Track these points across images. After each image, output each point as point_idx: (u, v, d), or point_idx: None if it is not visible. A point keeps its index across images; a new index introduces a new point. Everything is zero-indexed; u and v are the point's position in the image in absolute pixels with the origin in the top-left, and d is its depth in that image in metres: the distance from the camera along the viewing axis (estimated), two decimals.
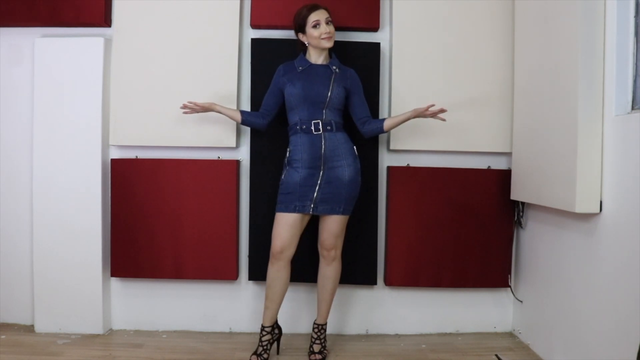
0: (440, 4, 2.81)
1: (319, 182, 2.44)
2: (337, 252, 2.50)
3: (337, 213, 2.45)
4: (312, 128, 2.46)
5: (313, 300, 2.87)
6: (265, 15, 2.78)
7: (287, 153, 2.52)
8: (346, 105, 2.57)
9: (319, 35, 2.45)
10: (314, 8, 2.47)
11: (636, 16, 2.03)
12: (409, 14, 2.81)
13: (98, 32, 2.84)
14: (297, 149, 2.47)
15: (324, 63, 2.53)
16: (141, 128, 2.81)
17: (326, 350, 2.56)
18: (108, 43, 2.81)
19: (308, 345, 2.67)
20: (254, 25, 2.83)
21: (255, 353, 2.49)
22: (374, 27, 2.84)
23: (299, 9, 2.50)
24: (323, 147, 2.45)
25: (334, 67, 2.52)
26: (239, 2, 2.80)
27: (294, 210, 2.44)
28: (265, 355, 2.49)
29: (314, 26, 2.45)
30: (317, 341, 2.54)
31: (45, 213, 2.78)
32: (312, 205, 2.43)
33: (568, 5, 2.18)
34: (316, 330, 2.55)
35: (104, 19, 2.80)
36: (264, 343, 2.51)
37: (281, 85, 2.53)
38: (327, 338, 2.68)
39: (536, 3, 2.47)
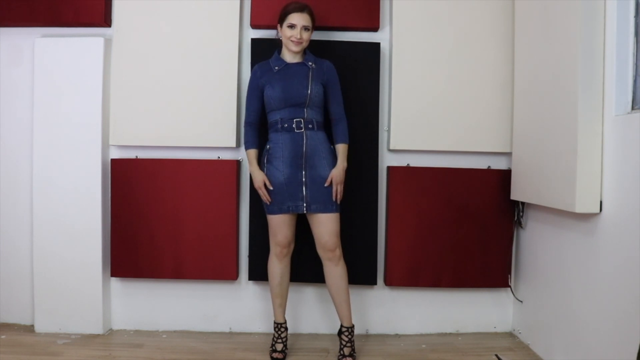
0: (440, 4, 2.80)
1: (304, 180, 2.44)
2: (339, 251, 2.48)
3: (331, 211, 2.45)
4: (294, 126, 2.45)
5: (315, 301, 2.88)
6: (265, 15, 2.78)
7: (267, 148, 2.50)
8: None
9: (290, 37, 2.44)
10: (298, 9, 2.45)
11: (636, 16, 2.03)
12: (409, 14, 2.80)
13: (98, 32, 2.84)
14: (278, 146, 2.46)
15: (300, 61, 2.51)
16: (141, 128, 2.81)
17: (355, 353, 2.54)
18: (108, 43, 2.81)
19: (309, 345, 2.69)
20: (254, 25, 2.83)
21: (276, 350, 2.55)
22: (374, 27, 2.84)
23: (289, 2, 2.49)
24: (305, 145, 2.44)
25: (310, 63, 2.50)
26: (239, 2, 2.81)
27: (287, 211, 2.45)
28: (286, 351, 2.57)
29: (289, 26, 2.44)
30: (348, 344, 2.52)
31: (45, 213, 2.78)
32: (304, 205, 2.43)
33: (568, 5, 2.18)
34: (346, 333, 2.52)
35: (104, 19, 2.80)
36: (284, 339, 2.58)
37: (261, 87, 2.51)
38: (326, 338, 2.68)
39: (536, 3, 2.47)
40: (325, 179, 2.45)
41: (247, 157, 2.56)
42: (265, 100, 2.51)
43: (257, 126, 2.56)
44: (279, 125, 2.46)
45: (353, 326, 2.53)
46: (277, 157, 2.45)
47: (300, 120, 2.45)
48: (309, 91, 2.45)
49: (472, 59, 2.81)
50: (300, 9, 2.45)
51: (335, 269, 2.48)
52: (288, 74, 2.47)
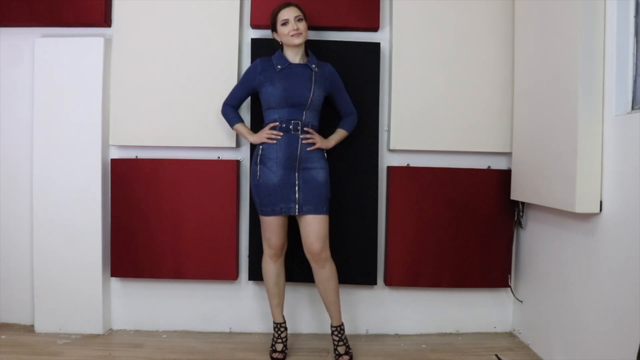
0: (440, 3, 2.80)
1: (297, 182, 2.43)
2: (326, 254, 2.47)
3: (321, 213, 2.44)
4: (291, 127, 2.45)
5: (314, 301, 2.87)
6: (265, 15, 2.76)
7: (260, 150, 2.49)
8: (331, 103, 2.61)
9: (288, 33, 2.44)
10: (284, 6, 2.47)
11: (636, 16, 2.03)
12: (409, 14, 2.80)
13: (98, 32, 2.84)
14: (272, 147, 2.45)
15: (302, 62, 2.51)
16: (141, 128, 2.81)
17: (351, 349, 2.55)
18: (108, 43, 2.81)
19: (309, 345, 2.69)
20: (254, 25, 2.83)
21: (276, 350, 2.55)
22: (374, 27, 2.84)
23: (274, 7, 2.50)
24: (299, 147, 2.45)
25: (313, 66, 2.50)
26: (239, 2, 2.81)
27: (280, 213, 2.44)
28: (287, 351, 2.57)
29: (283, 24, 2.45)
30: (341, 343, 2.52)
31: (45, 213, 2.78)
32: (296, 207, 2.43)
33: (568, 5, 2.18)
34: (336, 332, 2.53)
35: (104, 19, 2.80)
36: (284, 339, 2.58)
37: (256, 83, 2.52)
38: (326, 338, 2.68)
39: (536, 3, 2.48)
40: (317, 182, 2.45)
41: (239, 132, 2.60)
42: (263, 97, 2.51)
43: (236, 109, 2.62)
44: (277, 125, 2.46)
45: (342, 324, 2.54)
46: (271, 158, 2.45)
47: (298, 122, 2.45)
48: (311, 94, 2.45)
49: (472, 59, 2.81)
50: (286, 4, 2.47)
51: (321, 271, 2.48)
52: (291, 73, 2.47)
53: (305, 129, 2.47)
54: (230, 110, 2.60)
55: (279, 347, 2.56)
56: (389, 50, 2.85)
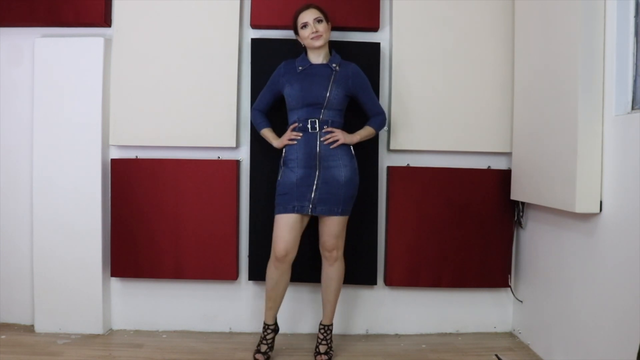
0: (440, 4, 2.81)
1: (315, 181, 2.43)
2: (338, 253, 2.49)
3: (335, 214, 2.44)
4: (309, 126, 2.45)
5: (315, 301, 2.87)
6: (265, 15, 2.78)
7: (283, 152, 2.52)
8: (357, 104, 2.59)
9: (308, 36, 2.45)
10: (303, 8, 2.48)
11: (636, 16, 2.03)
12: (409, 14, 2.81)
13: (98, 32, 2.84)
14: (293, 147, 2.47)
15: (324, 62, 2.52)
16: (141, 128, 2.81)
17: (332, 351, 2.56)
18: (108, 43, 2.81)
19: (309, 345, 2.68)
20: (254, 25, 2.83)
21: (259, 351, 2.51)
22: (374, 27, 2.84)
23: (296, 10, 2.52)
24: (318, 146, 2.44)
25: (334, 65, 2.50)
26: (239, 2, 2.81)
27: (292, 211, 2.43)
28: (270, 353, 2.53)
29: (303, 27, 2.46)
30: (324, 342, 2.53)
31: (45, 213, 2.78)
32: (310, 206, 2.42)
33: (568, 5, 2.18)
34: (322, 330, 2.55)
35: (104, 19, 2.80)
36: (269, 341, 2.53)
37: (280, 86, 2.54)
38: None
39: (536, 3, 2.48)
40: (339, 181, 2.43)
41: (265, 137, 2.60)
42: (286, 99, 2.53)
43: (265, 113, 2.62)
44: (297, 126, 2.47)
45: (331, 325, 2.56)
46: (292, 159, 2.46)
47: (315, 121, 2.45)
48: (328, 93, 2.44)
49: (472, 59, 2.81)
50: (306, 7, 2.48)
51: (329, 269, 2.51)
52: (310, 74, 2.48)
53: (325, 128, 2.46)
54: (258, 115, 2.62)
55: (263, 348, 2.50)
56: (389, 50, 2.85)
